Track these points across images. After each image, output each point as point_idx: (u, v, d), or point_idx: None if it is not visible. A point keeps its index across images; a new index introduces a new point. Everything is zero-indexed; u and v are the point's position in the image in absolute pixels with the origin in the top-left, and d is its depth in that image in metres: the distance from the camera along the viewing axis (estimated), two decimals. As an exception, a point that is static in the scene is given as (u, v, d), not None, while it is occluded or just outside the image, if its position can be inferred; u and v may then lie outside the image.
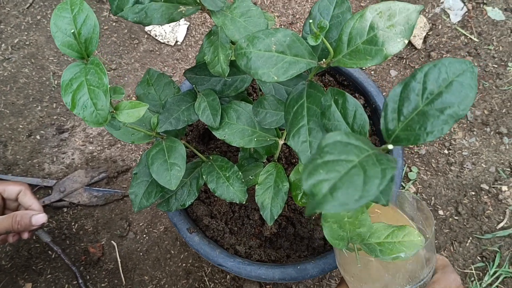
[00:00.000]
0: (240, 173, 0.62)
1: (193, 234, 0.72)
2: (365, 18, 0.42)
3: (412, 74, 0.36)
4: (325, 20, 0.48)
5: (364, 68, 1.20)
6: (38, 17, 1.25)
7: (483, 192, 1.07)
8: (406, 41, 0.41)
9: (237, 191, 0.61)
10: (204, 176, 0.63)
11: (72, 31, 0.38)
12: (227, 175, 0.62)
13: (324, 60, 0.45)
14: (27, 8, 1.26)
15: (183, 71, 0.68)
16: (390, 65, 1.19)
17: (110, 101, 0.44)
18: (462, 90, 0.33)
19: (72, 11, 0.40)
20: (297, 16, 1.26)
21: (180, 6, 0.52)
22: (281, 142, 0.61)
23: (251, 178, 0.66)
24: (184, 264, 1.03)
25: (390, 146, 0.37)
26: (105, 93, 0.37)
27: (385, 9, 0.41)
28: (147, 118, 0.57)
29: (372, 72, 1.19)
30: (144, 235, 1.05)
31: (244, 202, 0.61)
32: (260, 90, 0.58)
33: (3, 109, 1.16)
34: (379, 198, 0.41)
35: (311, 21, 0.44)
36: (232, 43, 0.54)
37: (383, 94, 0.99)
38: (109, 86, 0.47)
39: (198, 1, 0.52)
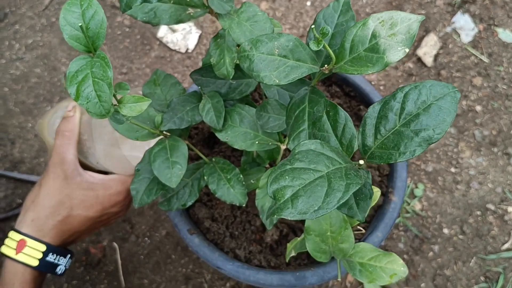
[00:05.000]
0: (241, 176, 0.62)
1: (193, 235, 0.72)
2: (367, 26, 0.43)
3: (392, 93, 0.36)
4: (329, 27, 0.49)
5: (374, 83, 1.20)
6: (53, 19, 1.28)
7: (488, 212, 1.06)
8: (407, 50, 0.41)
9: (237, 193, 0.62)
10: (205, 177, 0.63)
11: (80, 24, 0.39)
12: (229, 177, 0.62)
13: (326, 66, 0.46)
14: (43, 10, 1.28)
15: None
16: (400, 81, 1.20)
17: (114, 95, 0.45)
18: (440, 114, 0.33)
19: (81, 6, 0.41)
20: (308, 29, 1.27)
21: (189, 8, 0.54)
22: (283, 147, 0.62)
23: (253, 182, 0.66)
24: (184, 269, 1.03)
25: (361, 162, 0.37)
26: (109, 86, 0.38)
27: (387, 18, 0.42)
28: (152, 117, 0.58)
29: (381, 88, 1.19)
30: (146, 238, 1.06)
31: (244, 205, 0.62)
32: (265, 95, 0.59)
33: (13, 107, 1.18)
34: (356, 213, 0.41)
35: (313, 26, 0.45)
36: (238, 46, 0.55)
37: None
38: (116, 82, 0.48)
39: (206, 4, 0.53)
